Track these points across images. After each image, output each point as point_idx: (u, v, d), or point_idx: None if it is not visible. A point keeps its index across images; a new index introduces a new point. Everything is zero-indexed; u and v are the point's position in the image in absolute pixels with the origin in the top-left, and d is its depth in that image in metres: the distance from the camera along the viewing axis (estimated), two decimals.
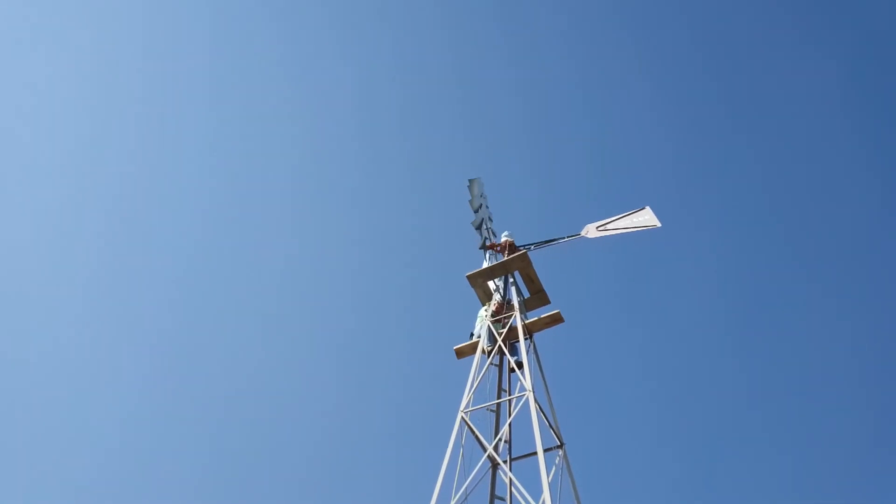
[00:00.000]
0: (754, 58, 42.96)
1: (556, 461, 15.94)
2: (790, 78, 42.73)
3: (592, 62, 44.79)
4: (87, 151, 42.56)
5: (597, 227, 18.86)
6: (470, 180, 19.92)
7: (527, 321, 17.73)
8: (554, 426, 16.40)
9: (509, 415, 16.58)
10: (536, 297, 18.64)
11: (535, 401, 15.92)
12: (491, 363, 17.34)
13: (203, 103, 44.17)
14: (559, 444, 16.24)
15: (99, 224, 41.70)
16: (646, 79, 44.18)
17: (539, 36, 45.49)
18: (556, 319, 17.78)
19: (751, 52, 43.21)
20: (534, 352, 17.33)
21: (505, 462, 16.14)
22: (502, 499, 16.00)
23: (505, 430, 16.44)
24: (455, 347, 18.07)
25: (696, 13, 44.92)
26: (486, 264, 18.81)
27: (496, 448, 16.11)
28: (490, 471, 16.26)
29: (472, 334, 18.17)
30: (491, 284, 18.78)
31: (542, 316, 17.81)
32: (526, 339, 17.31)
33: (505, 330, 17.60)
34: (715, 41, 44.60)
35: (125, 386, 38.70)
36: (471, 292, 18.77)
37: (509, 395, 16.97)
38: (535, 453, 15.15)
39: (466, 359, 17.88)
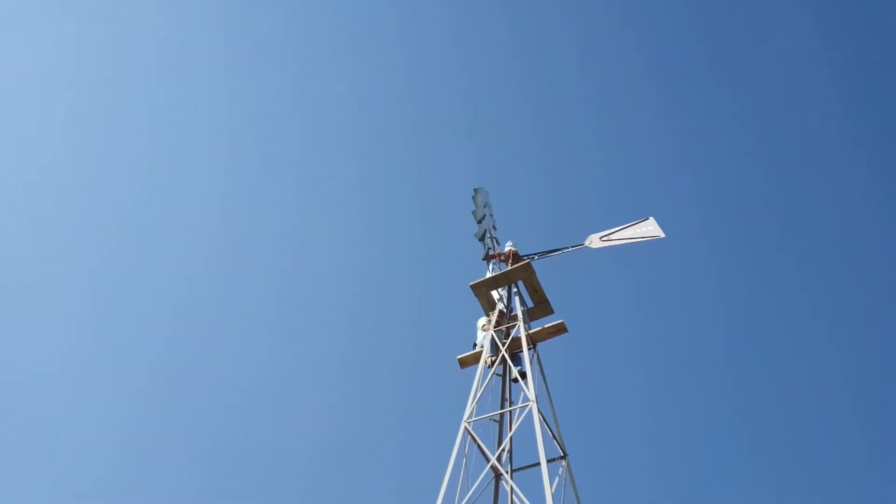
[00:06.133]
0: (764, 67, 42.98)
1: (560, 472, 15.90)
2: (799, 86, 42.75)
3: (602, 71, 44.84)
4: (86, 153, 42.73)
5: (600, 238, 18.78)
6: (475, 190, 19.86)
7: (530, 331, 17.69)
8: (557, 437, 16.36)
9: (511, 426, 16.52)
10: (540, 307, 18.56)
11: (539, 411, 15.88)
12: (494, 373, 17.29)
13: (206, 108, 44.30)
14: (562, 454, 16.19)
15: (99, 225, 41.85)
16: (654, 88, 44.23)
17: (547, 45, 45.58)
18: (559, 329, 17.73)
19: (760, 61, 43.21)
20: (537, 362, 17.30)
21: (508, 473, 16.10)
22: None
23: (508, 440, 16.39)
24: (458, 357, 18.01)
25: (705, 24, 44.91)
26: (489, 274, 18.77)
27: (499, 458, 16.06)
28: (493, 481, 16.24)
29: (475, 344, 18.12)
30: (494, 294, 18.73)
31: (546, 326, 17.77)
32: (529, 349, 17.27)
33: (508, 340, 17.54)
34: (723, 50, 44.60)
35: (127, 388, 38.82)
36: (475, 302, 18.71)
37: (512, 405, 16.92)
38: (538, 464, 15.09)
39: (470, 368, 17.84)
